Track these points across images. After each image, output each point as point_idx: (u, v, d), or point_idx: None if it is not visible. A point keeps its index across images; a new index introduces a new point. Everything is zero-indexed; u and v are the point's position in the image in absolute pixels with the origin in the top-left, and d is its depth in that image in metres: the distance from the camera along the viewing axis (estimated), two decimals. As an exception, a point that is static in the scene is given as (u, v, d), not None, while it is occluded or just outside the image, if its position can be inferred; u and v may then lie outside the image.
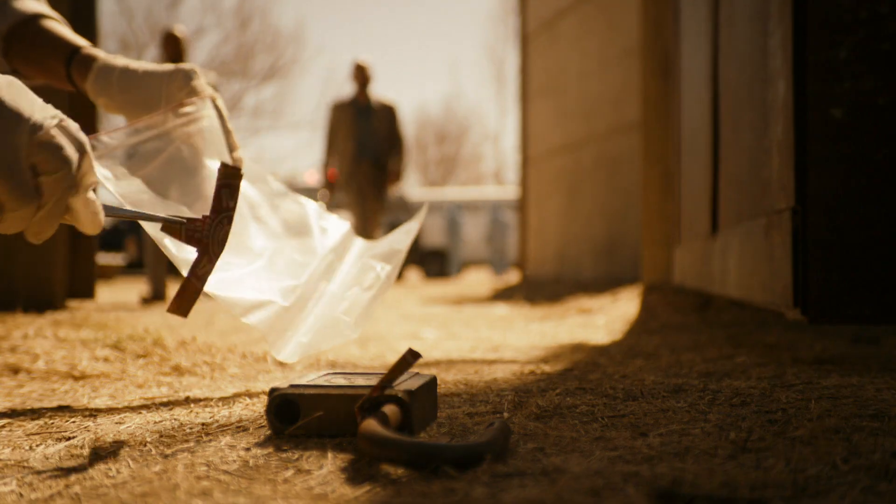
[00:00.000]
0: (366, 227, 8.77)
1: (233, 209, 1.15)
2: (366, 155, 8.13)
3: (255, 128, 27.23)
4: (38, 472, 0.94)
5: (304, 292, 1.43)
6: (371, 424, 0.93)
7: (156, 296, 5.94)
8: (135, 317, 3.46)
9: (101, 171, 1.26)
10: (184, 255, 1.28)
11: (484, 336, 2.95)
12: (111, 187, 1.26)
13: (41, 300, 2.84)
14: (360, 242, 1.59)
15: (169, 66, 1.42)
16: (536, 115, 8.50)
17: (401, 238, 1.58)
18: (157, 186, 1.31)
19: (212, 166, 1.37)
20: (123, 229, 15.51)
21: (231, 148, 1.43)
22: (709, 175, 2.78)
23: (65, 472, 0.94)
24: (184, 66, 1.42)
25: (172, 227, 1.13)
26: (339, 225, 1.56)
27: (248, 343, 2.42)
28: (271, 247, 1.44)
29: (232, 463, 0.96)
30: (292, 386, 1.10)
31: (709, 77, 2.79)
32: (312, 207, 1.54)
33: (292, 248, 1.45)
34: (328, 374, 1.23)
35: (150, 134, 1.33)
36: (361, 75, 8.13)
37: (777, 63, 1.79)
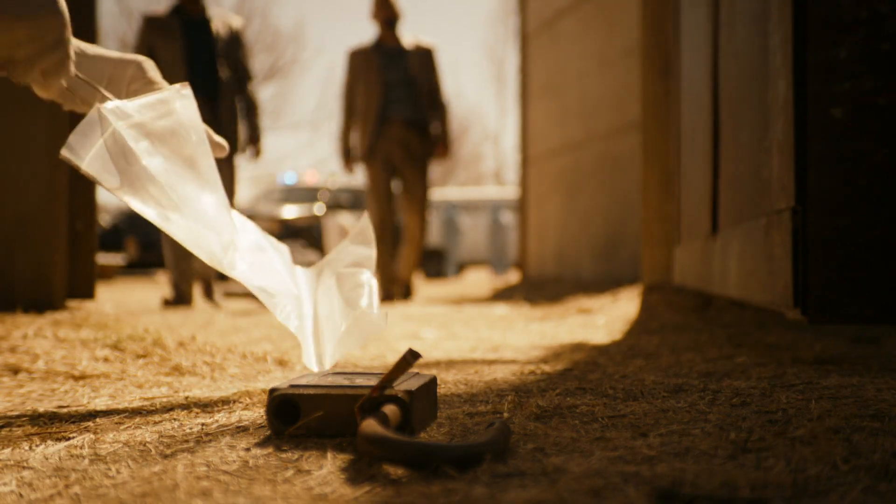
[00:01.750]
0: (399, 233, 6.62)
1: None
2: (396, 114, 5.90)
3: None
4: (38, 472, 0.94)
5: (303, 301, 1.40)
6: (371, 424, 0.93)
7: (179, 298, 5.17)
8: (135, 317, 3.46)
9: (138, 145, 1.25)
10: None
11: (484, 336, 2.95)
12: (145, 161, 1.25)
13: (41, 300, 2.84)
14: (300, 269, 1.51)
15: (118, 53, 1.40)
16: (536, 115, 8.50)
17: (361, 250, 1.49)
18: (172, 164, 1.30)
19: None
20: (123, 229, 15.51)
21: (211, 138, 1.41)
22: (709, 175, 2.78)
23: (64, 472, 0.94)
24: (137, 56, 1.40)
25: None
26: (281, 247, 1.50)
27: (248, 343, 2.42)
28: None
29: (232, 463, 0.96)
30: (292, 386, 1.10)
31: (709, 77, 2.79)
32: (253, 226, 1.48)
33: (260, 261, 1.40)
34: (328, 374, 1.23)
35: (158, 111, 1.31)
36: (385, 10, 5.98)
37: (777, 63, 1.79)
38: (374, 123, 5.89)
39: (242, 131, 5.53)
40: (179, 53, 5.24)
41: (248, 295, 5.44)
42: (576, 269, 7.38)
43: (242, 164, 6.00)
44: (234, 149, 5.43)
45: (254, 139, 5.62)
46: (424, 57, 6.04)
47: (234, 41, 5.48)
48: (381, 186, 6.00)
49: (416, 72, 5.97)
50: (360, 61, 5.98)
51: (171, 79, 1.46)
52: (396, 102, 5.93)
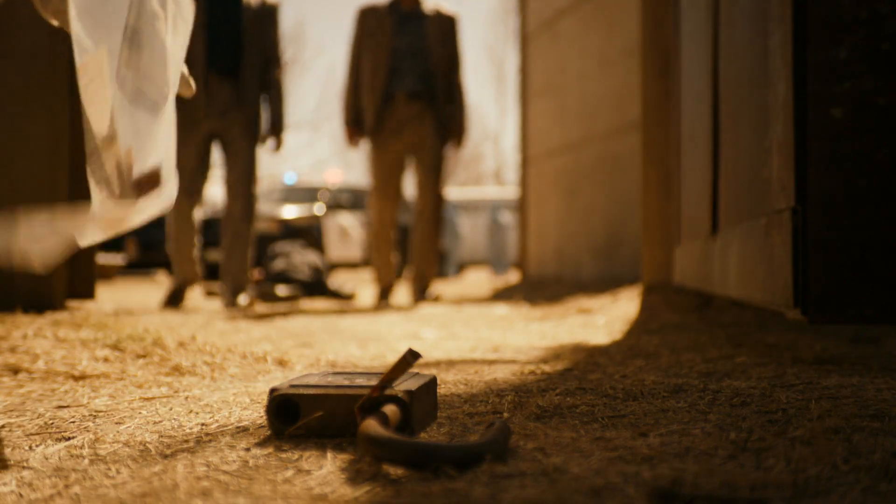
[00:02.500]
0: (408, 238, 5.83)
1: None
2: (401, 87, 5.04)
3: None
4: (38, 472, 0.94)
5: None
6: (371, 424, 0.93)
7: (181, 286, 4.77)
8: (135, 317, 3.46)
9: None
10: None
11: (484, 336, 2.95)
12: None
13: (41, 300, 2.84)
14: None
15: None
16: (536, 115, 8.51)
17: None
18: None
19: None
20: (123, 229, 15.46)
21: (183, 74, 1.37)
22: (709, 175, 2.78)
23: (65, 472, 0.94)
24: None
25: None
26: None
27: (248, 343, 2.42)
28: None
29: (232, 463, 0.96)
30: (292, 386, 1.10)
31: (709, 77, 2.79)
32: None
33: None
34: (328, 374, 1.23)
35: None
36: None
37: (777, 63, 1.79)
38: (379, 98, 5.02)
39: (264, 119, 4.93)
40: (200, 18, 4.49)
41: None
42: (576, 269, 7.38)
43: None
44: (256, 134, 4.86)
45: (276, 130, 5.02)
46: (445, 26, 5.15)
47: (266, 16, 4.82)
48: (386, 174, 5.17)
49: (433, 41, 5.08)
50: (371, 21, 5.09)
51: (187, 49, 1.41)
52: (403, 73, 5.04)
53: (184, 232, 4.81)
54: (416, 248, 5.46)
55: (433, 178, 5.25)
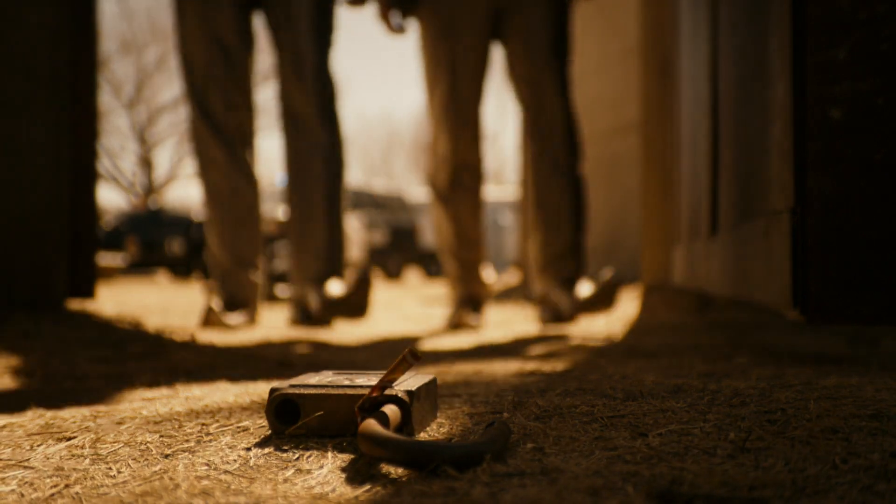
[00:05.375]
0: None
1: None
2: None
3: (256, 128, 27.16)
4: (39, 472, 0.94)
5: None
6: (371, 424, 0.93)
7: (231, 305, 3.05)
8: (135, 317, 3.46)
9: None
10: None
11: (484, 336, 2.95)
12: None
13: (42, 300, 2.84)
14: None
15: None
16: (536, 116, 8.50)
17: None
18: None
19: None
20: (124, 230, 15.51)
21: None
22: (708, 175, 2.79)
23: (65, 471, 0.94)
24: None
25: None
26: None
27: (248, 343, 2.42)
28: None
29: (232, 463, 0.97)
30: (292, 386, 1.10)
31: (708, 77, 2.79)
32: None
33: None
34: (328, 374, 1.24)
35: None
36: None
37: (776, 64, 1.79)
38: None
39: None
40: None
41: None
42: (575, 270, 7.38)
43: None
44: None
45: None
46: None
47: None
48: (456, 70, 2.81)
49: None
50: None
51: None
52: None
53: (232, 208, 2.91)
54: (536, 233, 3.11)
55: (553, 73, 2.89)
